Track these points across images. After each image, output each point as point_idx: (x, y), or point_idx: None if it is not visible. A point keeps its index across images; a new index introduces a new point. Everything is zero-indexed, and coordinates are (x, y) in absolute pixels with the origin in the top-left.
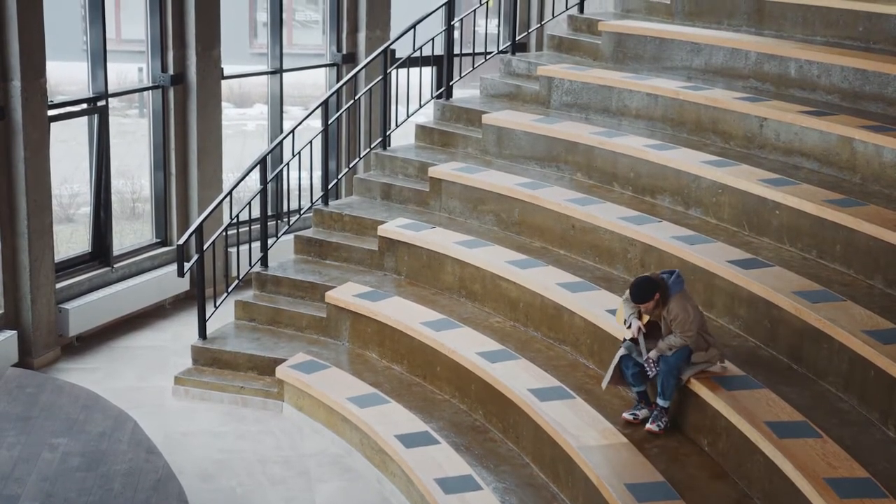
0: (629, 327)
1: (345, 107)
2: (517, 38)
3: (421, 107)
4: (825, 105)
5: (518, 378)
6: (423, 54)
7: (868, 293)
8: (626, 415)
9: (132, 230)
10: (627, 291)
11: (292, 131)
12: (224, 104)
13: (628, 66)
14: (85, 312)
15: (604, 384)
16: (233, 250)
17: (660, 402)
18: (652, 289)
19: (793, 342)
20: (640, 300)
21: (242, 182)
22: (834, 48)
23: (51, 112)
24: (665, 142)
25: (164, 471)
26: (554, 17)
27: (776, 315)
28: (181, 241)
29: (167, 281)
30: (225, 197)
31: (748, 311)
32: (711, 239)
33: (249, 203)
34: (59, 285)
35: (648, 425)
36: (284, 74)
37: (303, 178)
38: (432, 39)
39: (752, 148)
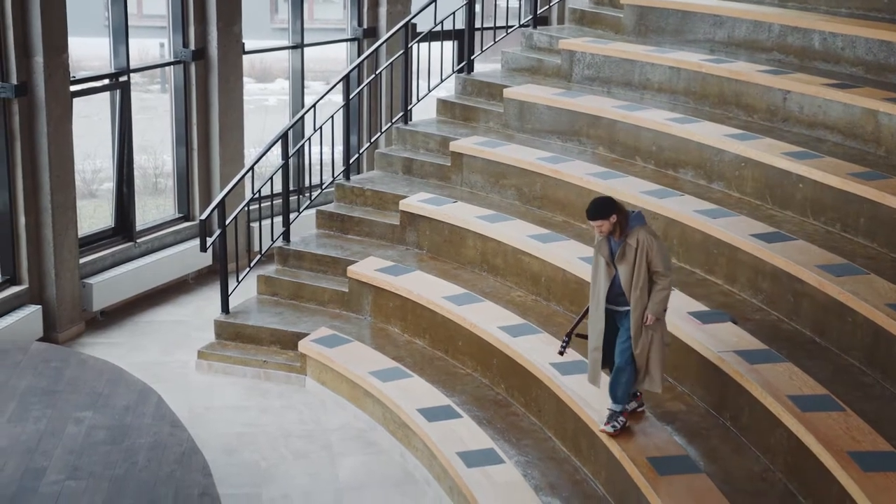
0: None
1: (366, 81)
2: (539, 12)
3: (442, 81)
4: (849, 78)
5: (540, 352)
6: (445, 28)
7: (892, 266)
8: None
9: (155, 205)
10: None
11: (314, 106)
12: (245, 79)
13: (650, 39)
14: (108, 287)
15: (598, 384)
16: (255, 225)
17: (612, 406)
18: (609, 207)
19: (816, 316)
20: (594, 216)
21: (264, 157)
22: (858, 20)
23: (73, 88)
24: (687, 115)
25: (188, 444)
26: None
27: (799, 289)
28: (204, 216)
29: (190, 256)
30: (247, 172)
31: (771, 285)
32: (734, 213)
33: (271, 178)
34: (82, 260)
35: (602, 426)
36: (306, 49)
37: (324, 152)
38: (453, 13)
39: (775, 121)
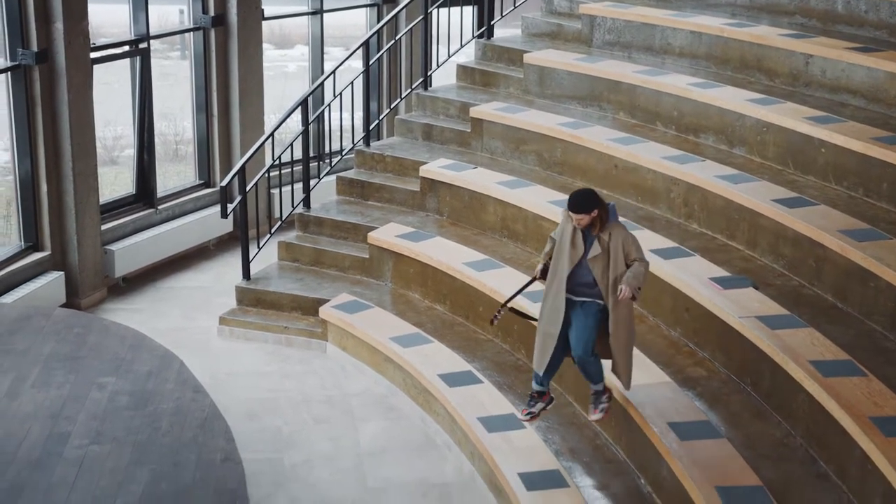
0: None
1: (386, 47)
2: None
3: (462, 46)
4: (872, 41)
5: None
6: None
7: None
8: (521, 416)
9: (175, 172)
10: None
11: (333, 72)
12: (265, 45)
13: (672, 3)
14: (130, 254)
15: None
16: (275, 191)
17: (593, 387)
18: (594, 201)
19: (838, 281)
20: (578, 209)
21: (284, 123)
22: None
23: (93, 54)
24: (709, 80)
25: (211, 410)
26: None
27: (821, 254)
28: (224, 183)
29: (210, 222)
30: (267, 138)
31: (793, 251)
32: (756, 178)
33: (291, 144)
34: (104, 227)
35: (592, 415)
36: (325, 15)
37: (344, 119)
38: None
39: (797, 85)
